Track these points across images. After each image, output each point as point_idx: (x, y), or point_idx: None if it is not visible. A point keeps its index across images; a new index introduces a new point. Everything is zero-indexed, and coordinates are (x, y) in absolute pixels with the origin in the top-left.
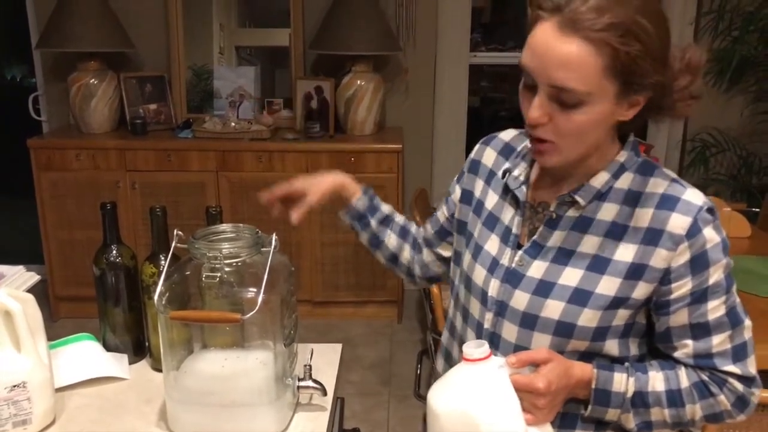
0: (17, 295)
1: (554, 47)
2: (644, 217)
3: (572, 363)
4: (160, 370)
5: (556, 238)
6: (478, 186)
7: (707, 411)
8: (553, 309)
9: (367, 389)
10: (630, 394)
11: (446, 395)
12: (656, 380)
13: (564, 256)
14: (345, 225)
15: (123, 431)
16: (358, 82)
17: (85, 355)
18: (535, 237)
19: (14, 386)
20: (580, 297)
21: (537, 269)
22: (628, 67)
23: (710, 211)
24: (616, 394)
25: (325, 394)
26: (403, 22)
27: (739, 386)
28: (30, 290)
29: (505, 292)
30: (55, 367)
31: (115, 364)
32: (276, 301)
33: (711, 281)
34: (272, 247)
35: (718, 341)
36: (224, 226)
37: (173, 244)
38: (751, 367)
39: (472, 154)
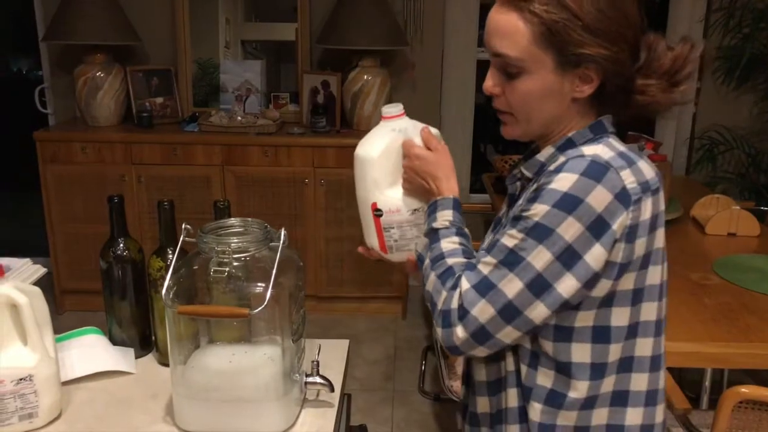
0: (24, 288)
1: (493, 19)
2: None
3: (449, 177)
4: (166, 365)
5: (510, 212)
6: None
7: (432, 291)
8: None
9: (371, 385)
10: (434, 226)
11: (362, 143)
12: (451, 242)
13: (506, 223)
14: None
15: (129, 426)
16: (365, 77)
17: (92, 349)
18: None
19: (21, 379)
20: None
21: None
22: (557, 35)
23: (594, 164)
24: (432, 218)
25: (332, 390)
26: (410, 17)
27: (455, 302)
28: (35, 283)
29: None
30: (61, 360)
31: (122, 358)
32: (284, 296)
33: (527, 214)
34: (281, 242)
35: (486, 260)
36: (233, 221)
37: (181, 238)
38: (474, 308)
39: None
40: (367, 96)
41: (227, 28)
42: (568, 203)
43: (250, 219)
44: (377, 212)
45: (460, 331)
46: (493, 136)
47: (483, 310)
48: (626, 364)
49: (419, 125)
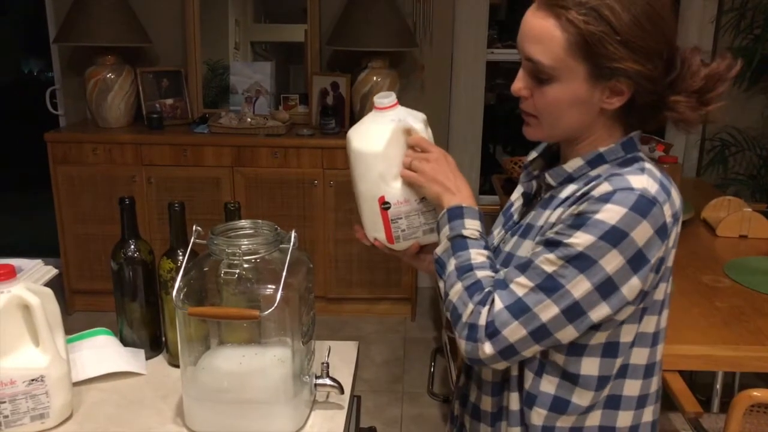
0: (36, 289)
1: (529, 22)
2: (586, 188)
3: (467, 186)
4: (176, 366)
5: (529, 216)
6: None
7: (457, 302)
8: None
9: (380, 387)
10: (464, 233)
11: (359, 137)
12: (480, 254)
13: (528, 230)
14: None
15: (139, 427)
16: (374, 78)
17: (102, 350)
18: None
19: (32, 380)
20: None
21: (510, 244)
22: (592, 47)
23: (643, 199)
24: (460, 224)
25: (342, 392)
26: (419, 18)
27: (483, 319)
28: (46, 284)
29: None
30: (73, 361)
31: (132, 359)
32: (294, 298)
33: (569, 241)
34: (291, 243)
35: (520, 281)
36: (243, 222)
37: (192, 240)
38: (506, 329)
39: None
40: None
41: (237, 29)
42: (614, 237)
43: (260, 221)
44: (385, 205)
45: (488, 348)
46: (503, 137)
47: (515, 331)
48: (621, 371)
49: (413, 113)
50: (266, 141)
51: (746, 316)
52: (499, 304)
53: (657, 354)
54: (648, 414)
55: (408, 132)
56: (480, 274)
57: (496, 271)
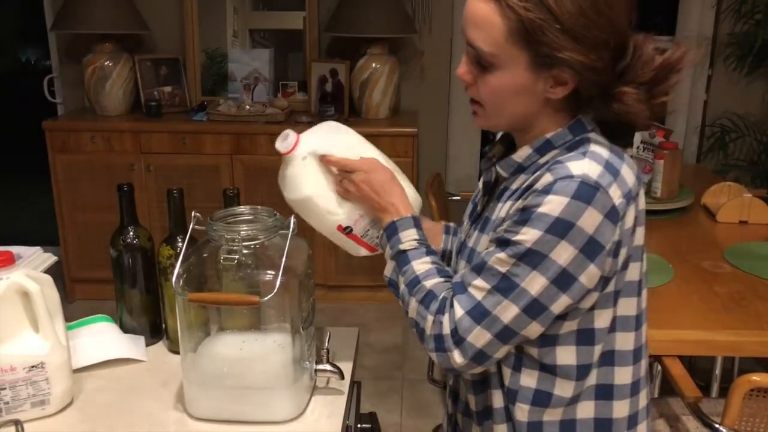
0: (35, 276)
1: (471, 7)
2: (531, 179)
3: (397, 192)
4: (176, 353)
5: (487, 209)
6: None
7: (417, 317)
8: None
9: (380, 373)
10: (402, 248)
11: (286, 187)
12: (424, 263)
13: (485, 224)
14: None
15: (140, 413)
16: (374, 65)
17: (102, 337)
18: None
19: (32, 367)
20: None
21: (473, 239)
22: (532, 35)
23: (584, 186)
24: (397, 240)
25: (342, 377)
26: (419, 4)
27: (446, 327)
28: (46, 271)
29: (457, 263)
30: (72, 348)
31: (132, 345)
32: (294, 284)
33: (516, 238)
34: (290, 229)
35: (477, 284)
36: (242, 208)
37: (191, 226)
38: (470, 335)
39: None
40: (376, 84)
41: (235, 17)
42: (560, 228)
43: (259, 207)
44: (347, 230)
45: (457, 357)
46: None
47: (479, 336)
48: (607, 359)
49: (318, 131)
50: (265, 128)
51: (746, 301)
52: (459, 311)
53: (642, 337)
54: (643, 399)
55: (324, 158)
56: (429, 283)
57: (445, 274)
